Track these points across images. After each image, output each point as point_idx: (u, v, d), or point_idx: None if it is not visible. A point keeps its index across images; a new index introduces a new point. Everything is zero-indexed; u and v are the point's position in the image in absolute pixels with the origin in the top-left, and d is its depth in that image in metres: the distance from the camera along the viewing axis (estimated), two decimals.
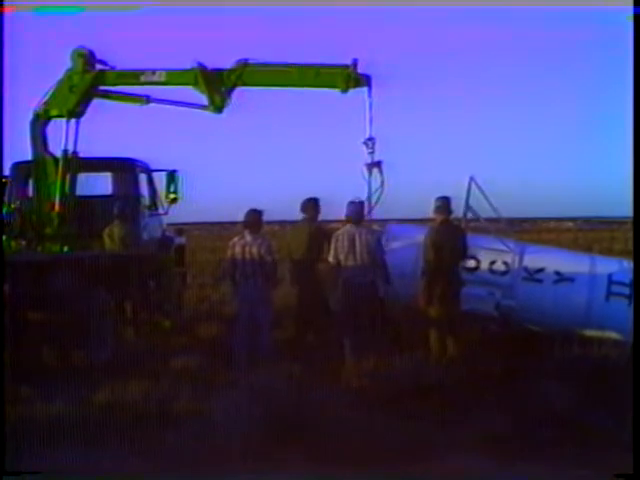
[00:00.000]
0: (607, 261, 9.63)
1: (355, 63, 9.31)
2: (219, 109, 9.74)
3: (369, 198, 9.13)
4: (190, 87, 9.77)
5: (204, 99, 9.76)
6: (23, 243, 9.97)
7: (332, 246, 8.45)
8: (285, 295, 13.30)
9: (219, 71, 9.71)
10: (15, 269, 7.32)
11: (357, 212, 8.55)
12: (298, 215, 9.40)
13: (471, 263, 8.81)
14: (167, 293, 11.38)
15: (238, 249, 8.61)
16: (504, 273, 8.83)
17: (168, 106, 10.19)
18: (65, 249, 9.96)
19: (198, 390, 6.63)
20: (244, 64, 9.64)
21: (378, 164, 9.20)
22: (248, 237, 8.62)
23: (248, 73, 9.65)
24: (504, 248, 8.88)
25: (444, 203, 8.58)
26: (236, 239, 8.74)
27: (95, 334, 8.35)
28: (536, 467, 5.28)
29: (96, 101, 10.06)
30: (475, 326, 9.03)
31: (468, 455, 5.48)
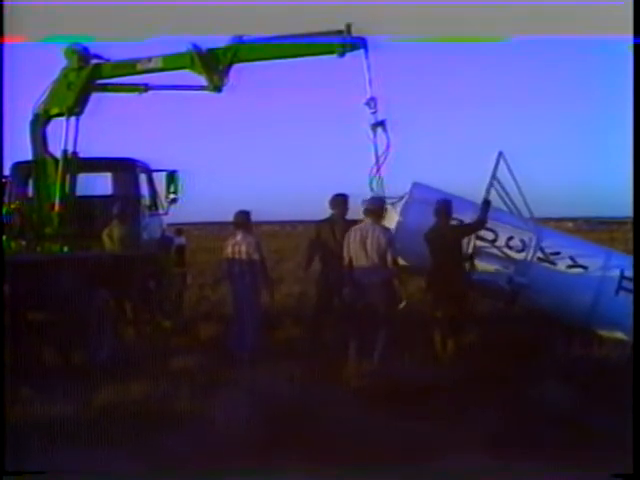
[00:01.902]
0: (622, 257, 9.68)
1: (349, 27, 9.31)
2: (218, 88, 9.77)
3: (377, 158, 9.14)
4: (187, 70, 9.78)
5: (202, 80, 9.78)
6: (23, 243, 9.97)
7: (345, 241, 8.40)
8: (285, 295, 13.40)
9: (214, 51, 9.72)
10: (15, 269, 7.31)
11: (376, 208, 8.47)
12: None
13: (489, 235, 8.87)
14: (167, 294, 11.40)
15: (229, 249, 8.77)
16: (520, 250, 8.90)
17: (168, 92, 10.28)
18: (65, 249, 9.96)
19: (198, 390, 6.64)
20: (238, 41, 9.66)
21: (382, 123, 9.21)
22: (238, 236, 8.74)
23: (243, 49, 9.66)
24: (523, 226, 8.95)
25: (443, 206, 8.61)
26: (229, 240, 8.86)
27: (95, 335, 8.35)
28: (536, 467, 5.28)
29: (95, 101, 10.07)
30: (475, 329, 9.08)
31: (468, 455, 5.48)
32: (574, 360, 7.73)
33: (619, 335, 8.60)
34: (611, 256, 9.36)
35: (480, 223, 8.66)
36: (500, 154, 8.89)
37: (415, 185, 9.20)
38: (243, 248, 8.66)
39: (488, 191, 8.82)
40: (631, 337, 7.40)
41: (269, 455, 5.34)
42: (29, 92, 10.11)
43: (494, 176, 8.86)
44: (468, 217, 8.84)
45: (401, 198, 9.20)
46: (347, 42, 9.28)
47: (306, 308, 10.44)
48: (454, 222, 8.79)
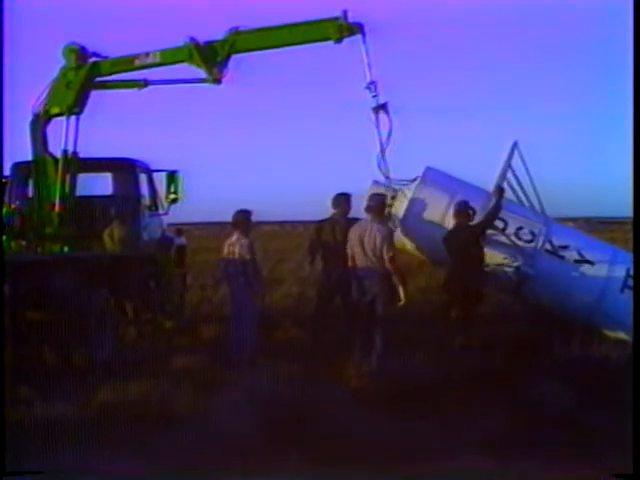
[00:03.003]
0: (629, 255, 9.68)
1: (345, 13, 9.31)
2: (217, 80, 9.79)
3: (380, 141, 9.12)
4: (186, 63, 9.80)
5: (201, 73, 9.79)
6: (23, 243, 9.97)
7: (348, 237, 8.41)
8: (285, 296, 13.40)
9: (212, 43, 9.73)
10: (15, 269, 7.32)
11: (376, 205, 8.44)
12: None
13: (499, 224, 8.87)
14: (167, 294, 11.39)
15: (226, 250, 8.75)
16: (529, 241, 8.91)
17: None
18: (65, 249, 9.96)
19: (198, 390, 6.64)
20: (235, 32, 9.66)
21: (384, 106, 9.21)
22: (234, 237, 8.73)
23: (241, 40, 9.66)
24: (534, 218, 8.94)
25: (462, 207, 8.67)
26: (227, 241, 8.85)
27: (95, 335, 8.36)
28: (536, 467, 5.28)
29: (94, 101, 10.08)
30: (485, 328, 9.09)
31: (468, 455, 5.48)
32: (574, 360, 7.73)
33: (621, 334, 8.59)
34: (618, 254, 9.33)
35: (495, 213, 8.67)
36: (515, 144, 8.88)
37: (428, 169, 9.20)
38: (236, 249, 8.66)
39: (501, 181, 8.83)
40: (632, 336, 7.39)
41: (269, 455, 5.34)
42: (29, 92, 10.12)
43: (508, 165, 8.84)
44: (479, 205, 8.84)
45: (413, 180, 9.19)
46: (344, 27, 9.25)
47: (306, 308, 10.43)
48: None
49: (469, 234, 8.59)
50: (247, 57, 9.83)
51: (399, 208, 8.96)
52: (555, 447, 5.58)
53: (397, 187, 9.17)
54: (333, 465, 5.18)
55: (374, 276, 8.17)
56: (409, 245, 9.06)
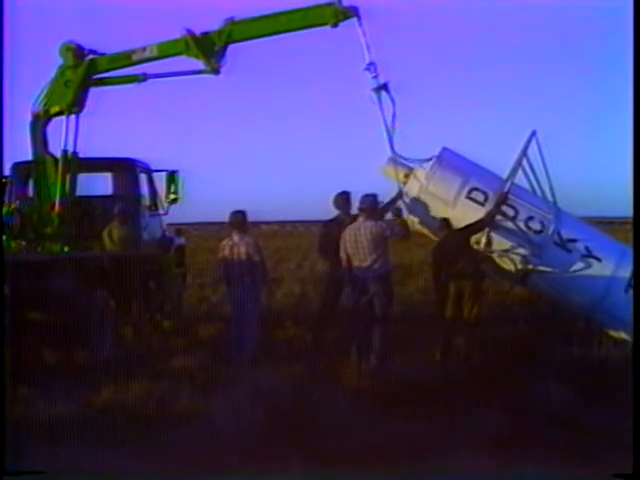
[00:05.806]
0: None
1: None
2: (216, 71, 9.79)
3: (384, 121, 9.09)
4: (183, 55, 9.78)
5: (200, 64, 9.78)
6: (23, 243, 9.97)
7: (341, 241, 8.44)
8: (285, 294, 13.42)
9: (208, 34, 9.72)
10: (15, 269, 7.32)
11: (369, 205, 8.46)
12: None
13: (509, 211, 8.80)
14: (167, 294, 11.39)
15: (227, 251, 8.73)
16: (538, 232, 8.83)
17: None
18: (65, 249, 9.96)
19: (197, 390, 6.65)
20: (232, 22, 9.65)
21: (385, 86, 9.18)
22: (235, 237, 8.71)
23: (237, 29, 9.65)
24: (545, 209, 8.88)
25: (443, 223, 8.68)
26: (225, 241, 8.83)
27: (95, 335, 8.35)
28: (536, 467, 5.28)
29: (94, 101, 10.07)
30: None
31: (468, 455, 5.48)
32: (574, 360, 7.73)
33: (622, 333, 8.57)
34: (626, 252, 9.28)
35: (487, 221, 8.62)
36: (533, 133, 8.80)
37: (444, 150, 9.15)
38: (242, 249, 8.64)
39: (516, 169, 8.78)
40: (632, 336, 7.38)
41: (269, 455, 5.34)
42: (29, 92, 10.11)
43: (524, 154, 8.78)
44: (492, 191, 8.80)
45: (428, 160, 9.12)
46: (339, 11, 9.18)
47: (307, 307, 10.44)
48: (473, 198, 8.78)
49: (456, 241, 8.56)
50: (244, 47, 9.81)
51: (412, 187, 8.95)
52: (555, 447, 5.58)
53: (412, 166, 9.13)
54: (333, 465, 5.18)
55: (371, 276, 8.21)
56: (417, 224, 9.03)
